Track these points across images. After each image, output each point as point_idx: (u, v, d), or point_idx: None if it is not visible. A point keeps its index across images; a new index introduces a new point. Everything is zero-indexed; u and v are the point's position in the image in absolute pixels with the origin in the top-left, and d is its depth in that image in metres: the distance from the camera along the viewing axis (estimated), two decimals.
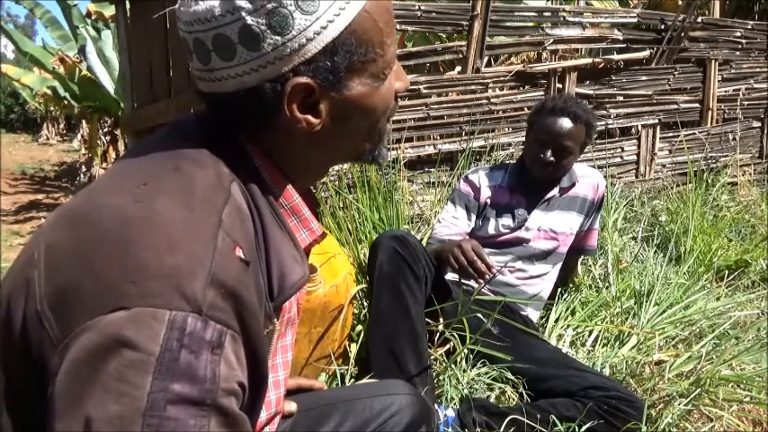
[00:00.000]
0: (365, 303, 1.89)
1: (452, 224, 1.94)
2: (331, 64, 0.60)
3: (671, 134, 3.96)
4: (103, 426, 0.45)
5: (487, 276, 1.60)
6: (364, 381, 1.49)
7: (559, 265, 1.98)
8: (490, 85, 3.30)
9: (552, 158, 1.82)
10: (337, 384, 1.61)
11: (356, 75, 0.63)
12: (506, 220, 1.92)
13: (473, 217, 1.96)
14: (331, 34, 0.59)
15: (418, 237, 2.51)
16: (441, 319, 1.70)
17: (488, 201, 1.96)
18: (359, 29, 0.61)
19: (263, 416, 0.75)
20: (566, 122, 1.80)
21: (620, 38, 3.63)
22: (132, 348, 0.47)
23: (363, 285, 1.89)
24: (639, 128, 3.89)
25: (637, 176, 3.90)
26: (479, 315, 1.66)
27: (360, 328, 1.80)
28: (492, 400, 1.62)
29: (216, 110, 0.65)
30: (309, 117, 0.63)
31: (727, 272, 2.58)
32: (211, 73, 0.61)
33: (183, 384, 0.47)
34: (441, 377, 1.66)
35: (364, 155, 0.72)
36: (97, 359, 0.47)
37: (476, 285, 1.81)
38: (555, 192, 1.93)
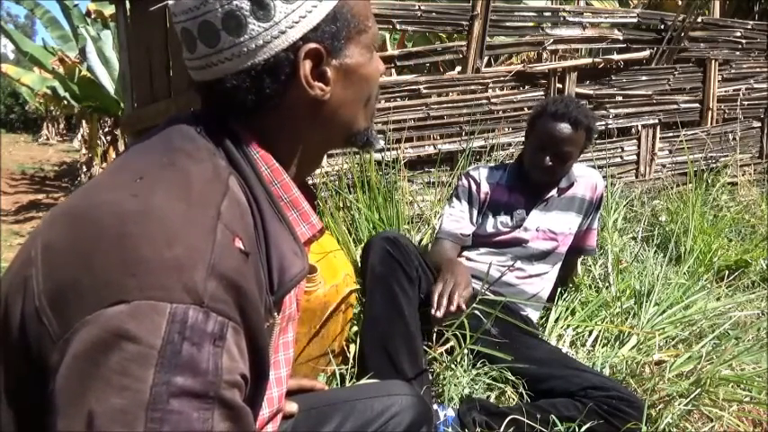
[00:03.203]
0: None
1: (461, 218, 1.95)
2: (334, 29, 0.64)
3: (671, 134, 3.96)
4: (106, 420, 0.45)
5: (450, 310, 1.55)
6: (365, 381, 1.49)
7: (559, 265, 1.98)
8: (490, 85, 3.30)
9: (551, 163, 1.82)
10: (337, 384, 1.61)
11: (353, 43, 0.67)
12: (505, 219, 1.93)
13: (476, 212, 1.96)
14: (331, 2, 0.64)
15: (418, 237, 2.52)
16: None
17: (488, 198, 1.96)
18: (350, 0, 0.66)
19: (266, 413, 0.74)
20: (566, 128, 1.79)
21: (620, 38, 3.63)
22: (133, 342, 0.46)
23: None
24: (639, 128, 3.89)
25: (637, 176, 3.90)
26: (479, 314, 1.66)
27: (359, 328, 1.80)
28: (492, 400, 1.62)
29: (220, 96, 0.65)
30: (321, 84, 0.65)
31: (727, 272, 2.58)
32: (220, 54, 0.62)
33: (186, 377, 0.47)
34: (441, 377, 1.66)
35: (359, 135, 0.74)
36: (98, 353, 0.47)
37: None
38: (553, 192, 1.93)
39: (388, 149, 2.91)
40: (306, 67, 0.63)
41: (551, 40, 3.43)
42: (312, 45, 0.63)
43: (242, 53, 0.61)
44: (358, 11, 0.67)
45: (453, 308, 1.54)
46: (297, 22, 0.61)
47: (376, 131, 0.78)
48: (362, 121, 0.73)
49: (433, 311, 1.56)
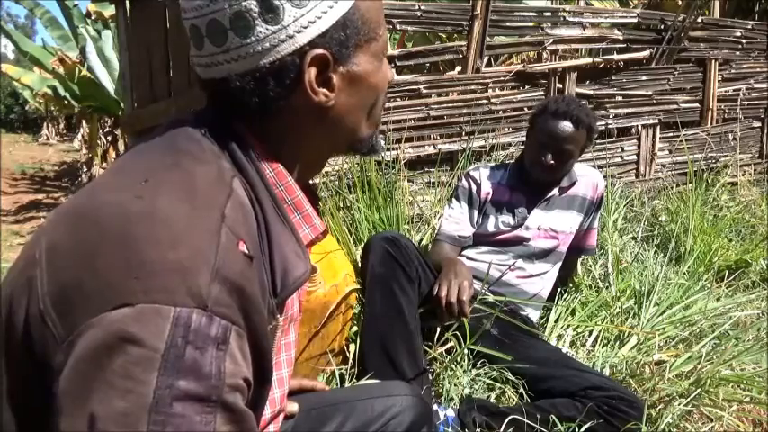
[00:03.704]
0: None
1: (460, 220, 1.95)
2: (343, 36, 0.63)
3: (671, 134, 3.96)
4: (109, 423, 0.45)
5: (463, 313, 1.57)
6: (365, 381, 1.49)
7: (559, 265, 1.98)
8: (490, 85, 3.30)
9: (552, 162, 1.82)
10: (337, 384, 1.61)
11: (361, 51, 0.66)
12: (506, 218, 1.93)
13: (476, 213, 1.96)
14: (342, 9, 0.63)
15: (418, 237, 2.52)
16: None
17: (489, 198, 1.96)
18: (362, 7, 0.65)
19: (268, 413, 0.75)
20: (567, 126, 1.80)
21: (620, 38, 3.63)
22: (137, 345, 0.47)
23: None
24: (639, 128, 3.89)
25: (637, 176, 3.90)
26: (479, 315, 1.66)
27: (359, 328, 1.80)
28: (492, 400, 1.62)
29: (225, 96, 0.64)
30: (326, 90, 0.65)
31: (727, 272, 2.58)
32: (227, 54, 0.61)
33: (189, 381, 0.47)
34: (441, 377, 1.66)
35: (363, 142, 0.73)
36: (102, 356, 0.47)
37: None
38: (555, 191, 1.93)
39: (388, 149, 2.91)
40: (311, 73, 0.63)
41: (551, 40, 3.43)
42: (319, 51, 0.62)
43: (248, 54, 0.61)
44: (369, 18, 0.66)
45: (466, 317, 1.55)
46: (305, 27, 0.61)
47: (381, 139, 0.77)
48: (366, 128, 0.72)
49: (446, 317, 1.57)
